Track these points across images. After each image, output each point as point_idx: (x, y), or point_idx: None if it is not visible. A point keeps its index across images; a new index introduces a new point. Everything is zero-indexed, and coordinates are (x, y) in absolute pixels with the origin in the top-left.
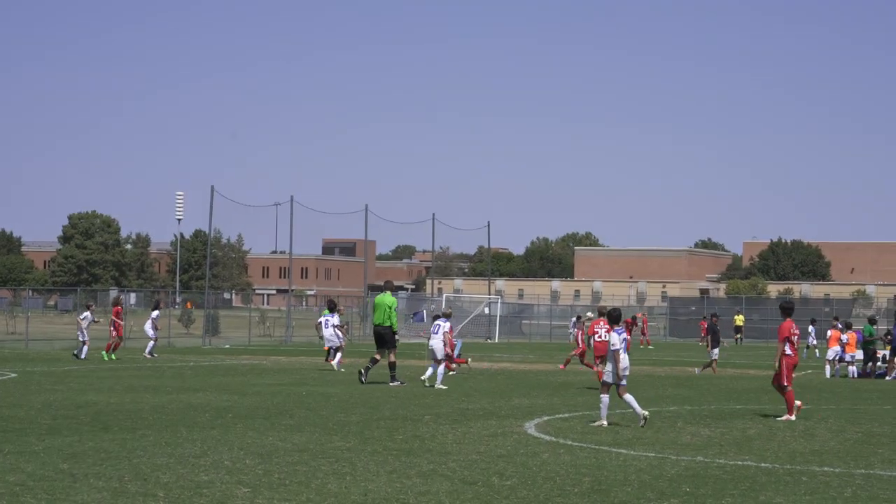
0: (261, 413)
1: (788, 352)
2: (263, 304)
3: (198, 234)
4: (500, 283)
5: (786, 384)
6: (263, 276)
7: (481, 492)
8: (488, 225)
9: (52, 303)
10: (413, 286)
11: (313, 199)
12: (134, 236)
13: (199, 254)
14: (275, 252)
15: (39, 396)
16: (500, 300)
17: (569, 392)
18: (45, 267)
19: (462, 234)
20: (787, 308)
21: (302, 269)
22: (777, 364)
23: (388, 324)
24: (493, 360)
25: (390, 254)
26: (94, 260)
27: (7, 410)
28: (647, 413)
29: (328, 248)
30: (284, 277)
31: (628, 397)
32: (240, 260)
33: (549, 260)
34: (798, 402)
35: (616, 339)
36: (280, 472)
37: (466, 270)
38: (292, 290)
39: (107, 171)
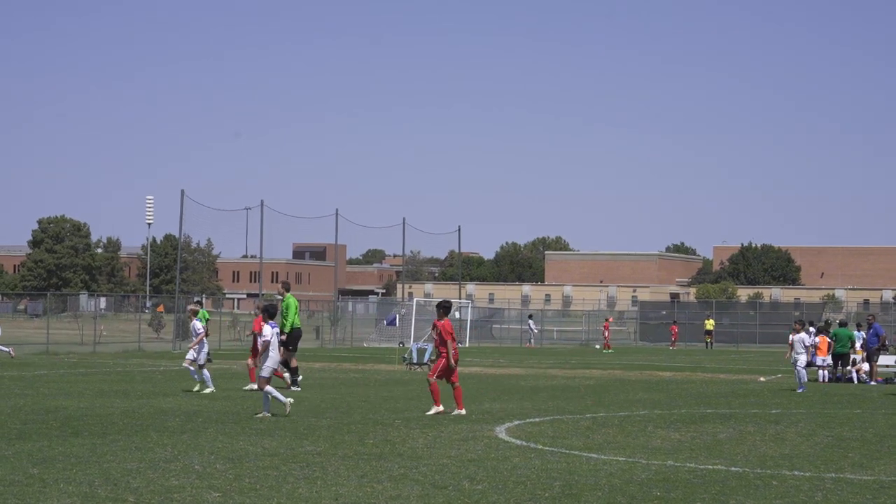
0: (231, 417)
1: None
2: (234, 308)
3: (168, 238)
4: (470, 288)
5: (456, 380)
6: (234, 281)
7: (452, 496)
8: (459, 229)
9: (21, 307)
10: (384, 290)
11: (284, 203)
12: (104, 240)
13: (169, 258)
14: (245, 256)
15: (9, 401)
16: (470, 304)
17: (539, 396)
18: (14, 271)
19: (432, 238)
20: (445, 307)
21: (272, 273)
22: (453, 362)
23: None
24: (463, 365)
25: (361, 258)
26: (64, 264)
27: None
28: (291, 400)
29: (299, 253)
30: (255, 282)
31: (269, 389)
32: (210, 264)
33: (520, 264)
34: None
35: (269, 331)
36: (251, 476)
37: (437, 274)
38: (262, 295)
39: (77, 176)
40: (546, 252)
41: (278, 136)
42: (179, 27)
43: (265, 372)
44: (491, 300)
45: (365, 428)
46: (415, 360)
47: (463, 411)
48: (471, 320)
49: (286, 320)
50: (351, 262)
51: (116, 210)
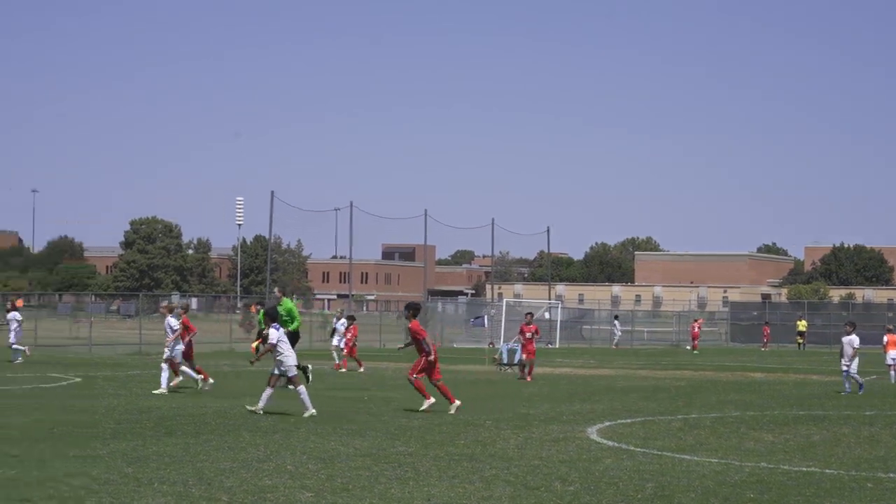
0: (323, 417)
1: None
2: (324, 308)
3: (258, 239)
4: (560, 288)
5: (438, 377)
6: (323, 281)
7: (544, 497)
8: (548, 230)
9: (114, 308)
10: (473, 291)
11: (373, 204)
12: (195, 241)
13: (259, 259)
14: (335, 257)
15: (103, 401)
16: (560, 305)
17: (630, 397)
18: (107, 272)
19: (522, 238)
20: (414, 308)
21: (362, 273)
22: (431, 359)
23: None
24: (553, 365)
25: (450, 258)
26: (156, 265)
27: (72, 415)
28: (314, 411)
29: (388, 253)
30: (344, 282)
31: (301, 388)
32: (300, 265)
33: (609, 265)
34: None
35: (275, 334)
36: (343, 476)
37: (526, 275)
38: (352, 295)
39: (168, 177)
40: (636, 252)
41: (368, 136)
42: (262, 32)
43: (291, 371)
44: (580, 301)
45: (456, 429)
46: (505, 361)
47: (458, 402)
48: (560, 321)
49: (295, 321)
50: (440, 262)
51: (207, 211)
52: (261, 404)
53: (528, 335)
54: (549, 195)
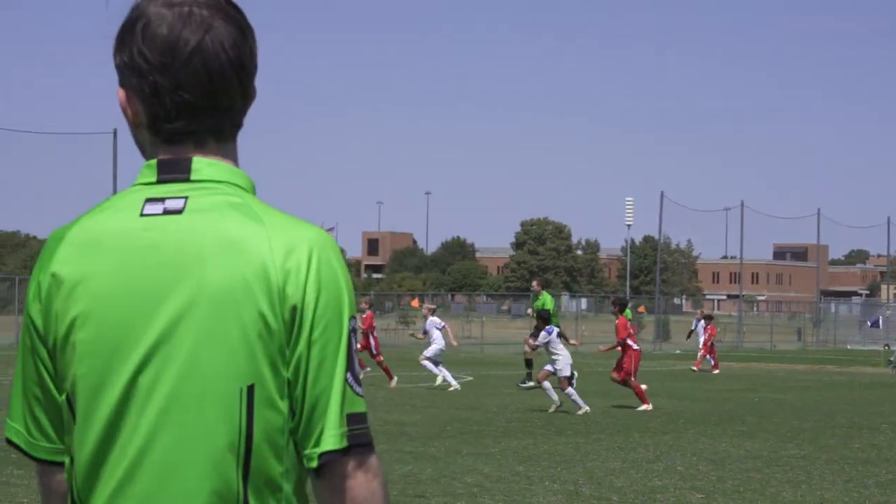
0: (712, 419)
1: (635, 346)
2: (714, 309)
3: (647, 239)
4: None
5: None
6: (713, 282)
7: None
8: None
9: (505, 308)
10: (867, 291)
11: (764, 203)
12: (584, 242)
13: (648, 259)
14: (725, 257)
15: (494, 399)
16: None
17: None
18: (498, 272)
19: None
20: (620, 304)
21: (752, 274)
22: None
23: None
24: None
25: (843, 258)
26: (546, 265)
27: (465, 413)
28: (587, 409)
29: (779, 253)
30: (735, 283)
31: (570, 391)
32: (689, 265)
33: None
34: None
35: (543, 336)
36: (734, 478)
37: None
38: (743, 296)
39: (558, 179)
40: None
41: (759, 136)
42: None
43: (564, 371)
44: None
45: (850, 432)
46: None
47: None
48: None
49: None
50: (833, 262)
51: (596, 212)
52: (553, 399)
53: None
54: None
